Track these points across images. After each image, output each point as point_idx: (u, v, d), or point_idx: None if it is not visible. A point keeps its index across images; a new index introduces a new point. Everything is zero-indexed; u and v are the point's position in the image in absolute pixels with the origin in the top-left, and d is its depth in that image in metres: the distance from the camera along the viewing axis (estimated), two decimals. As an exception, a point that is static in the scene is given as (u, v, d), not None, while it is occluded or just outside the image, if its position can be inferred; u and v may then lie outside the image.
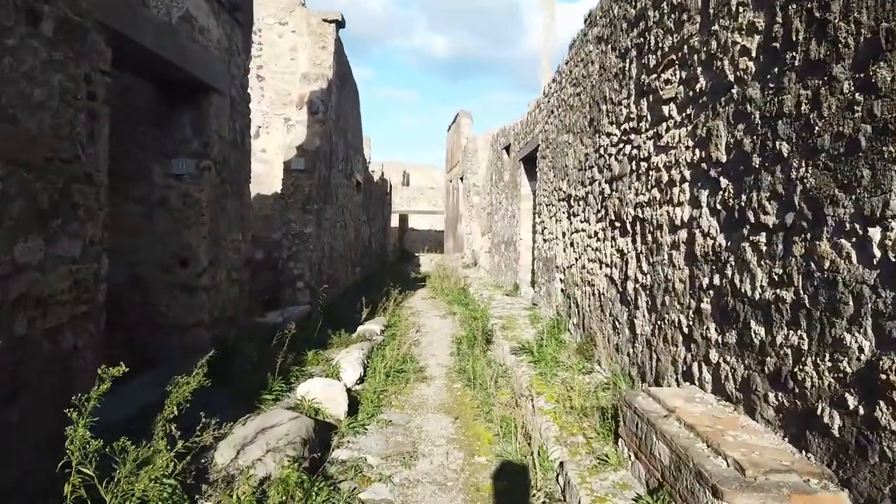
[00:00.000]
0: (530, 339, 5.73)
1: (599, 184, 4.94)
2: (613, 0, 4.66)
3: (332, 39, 8.44)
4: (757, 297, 2.45)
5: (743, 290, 2.56)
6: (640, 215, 3.91)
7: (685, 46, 3.22)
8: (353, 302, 8.34)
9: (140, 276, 4.40)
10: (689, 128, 3.16)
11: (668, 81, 3.46)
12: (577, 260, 5.69)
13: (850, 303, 1.89)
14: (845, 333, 1.91)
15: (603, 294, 4.73)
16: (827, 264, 2.00)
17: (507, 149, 11.03)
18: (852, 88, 1.90)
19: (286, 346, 4.53)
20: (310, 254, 8.09)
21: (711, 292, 2.88)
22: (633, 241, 4.05)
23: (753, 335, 2.47)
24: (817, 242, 2.06)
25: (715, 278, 2.84)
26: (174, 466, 2.32)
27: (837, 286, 1.95)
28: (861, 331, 1.84)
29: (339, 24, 8.58)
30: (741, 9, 2.62)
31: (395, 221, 27.34)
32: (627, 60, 4.26)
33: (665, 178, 3.50)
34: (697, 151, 3.05)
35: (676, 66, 3.34)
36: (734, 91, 2.66)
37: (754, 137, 2.49)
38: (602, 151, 4.89)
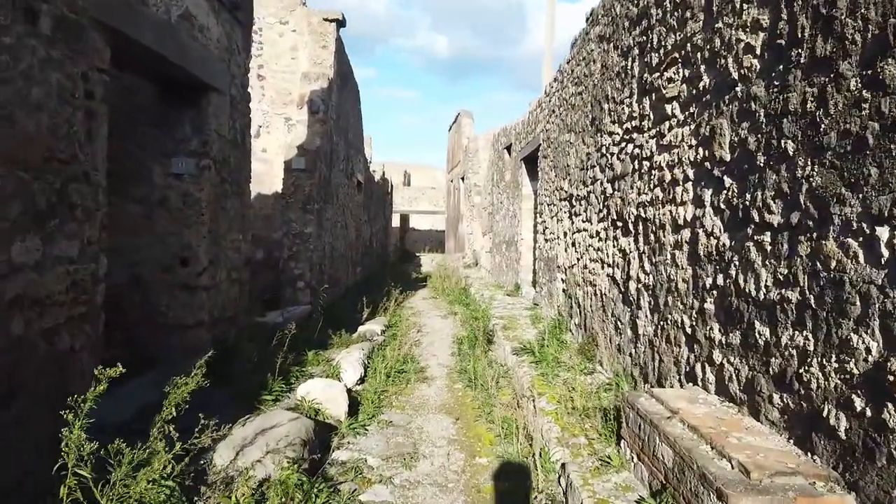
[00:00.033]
0: (532, 339, 5.70)
1: (601, 183, 4.91)
2: (615, -2, 4.64)
3: (332, 38, 8.42)
4: (761, 297, 2.42)
5: (747, 291, 2.53)
6: (643, 215, 3.89)
7: (688, 44, 3.19)
8: (353, 302, 8.32)
9: (140, 276, 4.38)
10: (693, 126, 3.13)
11: (671, 80, 3.43)
12: (578, 260, 5.66)
13: (858, 303, 1.86)
14: (852, 334, 1.89)
15: (605, 294, 4.71)
16: (833, 264, 1.98)
17: (509, 148, 11.00)
18: (859, 85, 1.87)
19: (286, 346, 4.50)
20: (310, 253, 8.07)
21: (715, 292, 2.85)
22: (636, 241, 4.02)
23: (758, 336, 2.44)
24: (823, 242, 2.03)
25: (718, 278, 2.81)
26: (172, 468, 2.30)
27: (844, 286, 1.92)
28: (868, 331, 1.81)
29: (340, 23, 8.56)
30: (745, 6, 2.59)
31: (396, 221, 27.33)
32: (630, 59, 4.23)
33: (668, 177, 3.47)
34: (701, 150, 3.02)
35: (679, 65, 3.31)
36: (738, 89, 2.64)
37: (759, 136, 2.46)
38: (604, 151, 4.86)
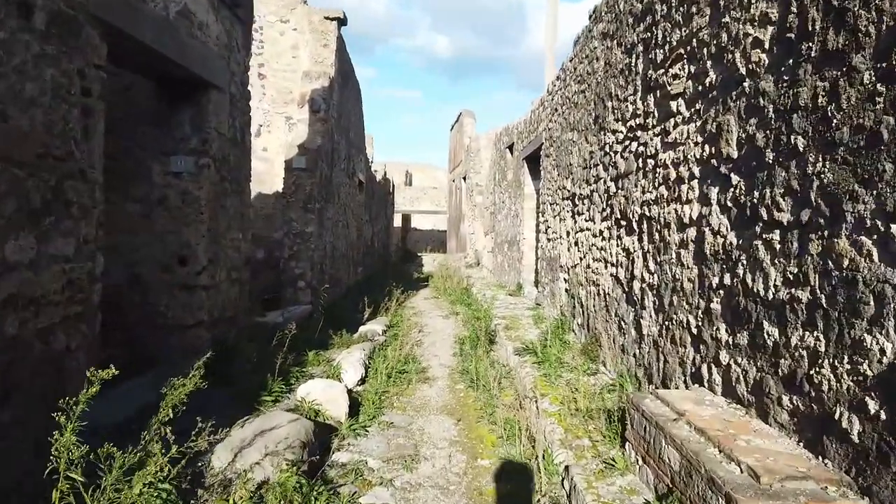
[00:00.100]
0: (534, 339, 5.65)
1: (605, 182, 4.86)
2: (619, -5, 4.58)
3: (333, 37, 8.37)
4: (770, 296, 2.37)
5: (755, 290, 2.48)
6: (647, 213, 3.83)
7: (694, 40, 3.14)
8: (354, 302, 8.27)
9: (139, 275, 4.34)
10: (699, 123, 3.08)
11: (677, 76, 3.38)
12: (581, 259, 5.61)
13: (871, 303, 1.81)
14: (865, 335, 1.83)
15: (608, 294, 4.65)
16: (846, 263, 1.92)
17: (511, 148, 10.95)
18: (873, 79, 1.82)
19: (287, 346, 4.46)
20: (311, 253, 8.02)
21: (722, 292, 2.79)
22: (640, 240, 3.97)
23: (766, 336, 2.39)
24: (835, 240, 1.97)
25: (725, 277, 2.75)
26: (169, 471, 2.26)
27: (857, 285, 1.87)
28: (883, 332, 1.76)
29: (341, 21, 8.52)
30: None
31: (397, 221, 27.29)
32: (634, 56, 4.17)
33: (673, 175, 3.42)
34: (707, 147, 2.97)
35: (685, 61, 3.26)
36: (746, 84, 2.58)
37: (767, 132, 2.41)
38: (607, 149, 4.80)
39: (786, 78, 2.29)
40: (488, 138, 16.03)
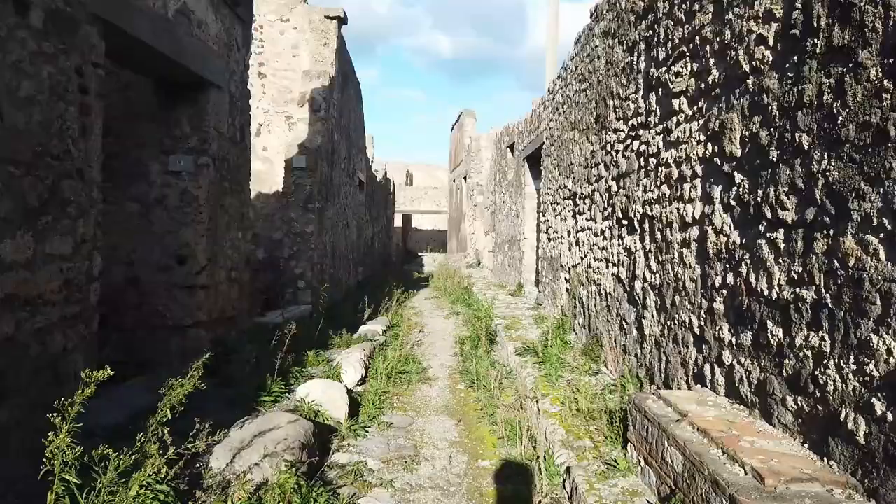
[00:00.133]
0: (535, 339, 5.62)
1: (606, 181, 4.83)
2: (620, -7, 4.56)
3: (334, 36, 8.35)
4: (774, 296, 2.34)
5: (759, 290, 2.45)
6: (649, 213, 3.80)
7: (697, 37, 3.11)
8: (355, 302, 8.25)
9: (137, 275, 4.32)
10: (701, 121, 3.05)
11: (679, 74, 3.35)
12: (582, 259, 5.58)
13: (878, 302, 1.78)
14: (872, 335, 1.80)
15: (609, 294, 4.63)
16: (852, 262, 1.90)
17: (511, 147, 10.92)
18: (880, 75, 1.79)
19: (286, 346, 4.43)
20: (311, 253, 8.00)
21: (725, 291, 2.77)
22: (642, 240, 3.94)
23: (770, 336, 2.36)
24: (841, 239, 1.95)
25: (728, 277, 2.73)
26: (166, 472, 2.23)
27: (863, 285, 1.84)
28: (890, 332, 1.73)
29: (342, 20, 8.49)
30: (757, -4, 2.51)
31: (398, 221, 27.26)
32: (635, 54, 4.15)
33: (675, 173, 3.39)
34: (710, 146, 2.94)
35: (687, 58, 3.23)
36: (750, 82, 2.56)
37: (772, 130, 2.38)
38: (609, 148, 4.78)
39: (790, 75, 2.26)
40: (489, 138, 16.01)
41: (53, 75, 2.65)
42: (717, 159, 2.87)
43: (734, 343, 2.67)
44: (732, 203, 2.70)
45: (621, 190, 4.42)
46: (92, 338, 3.01)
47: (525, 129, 9.51)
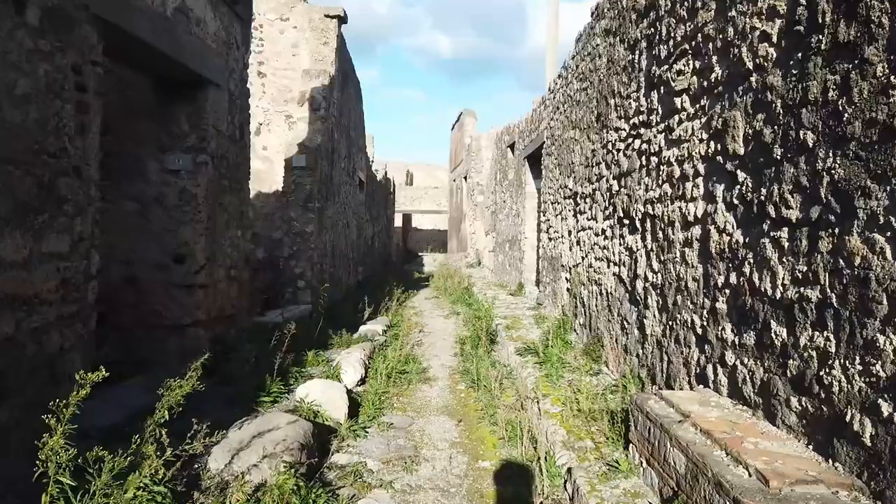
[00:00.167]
0: (535, 339, 5.60)
1: (607, 180, 4.81)
2: (622, -9, 4.53)
3: (334, 35, 8.32)
4: (778, 296, 2.31)
5: (763, 289, 2.42)
6: (651, 212, 3.78)
7: (699, 35, 3.09)
8: (355, 301, 8.23)
9: (135, 274, 4.30)
10: (704, 119, 3.03)
11: (681, 72, 3.32)
12: (583, 259, 5.56)
13: (884, 301, 1.76)
14: (878, 335, 1.78)
15: (611, 293, 4.60)
16: (857, 261, 1.87)
17: (512, 147, 10.90)
18: (886, 71, 1.76)
19: (286, 346, 4.41)
20: (311, 252, 7.98)
21: (727, 291, 2.74)
22: (643, 239, 3.91)
23: (774, 336, 2.34)
24: (847, 237, 1.92)
25: (731, 276, 2.70)
26: (163, 473, 2.21)
27: (869, 284, 1.82)
28: (896, 332, 1.71)
29: (342, 19, 8.47)
30: (760, -8, 2.49)
31: (398, 221, 27.24)
32: (637, 52, 4.12)
33: (677, 172, 3.37)
34: (712, 144, 2.92)
35: (690, 56, 3.21)
36: (753, 79, 2.53)
37: (775, 127, 2.35)
38: (610, 147, 4.75)
39: (794, 72, 2.23)
40: (489, 138, 15.99)
41: (50, 73, 2.62)
42: (719, 157, 2.84)
43: (737, 343, 2.64)
44: (735, 202, 2.68)
45: (622, 189, 4.39)
46: (90, 337, 2.99)
47: (525, 128, 9.48)
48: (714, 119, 2.90)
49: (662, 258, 3.56)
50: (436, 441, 3.83)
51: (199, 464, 2.83)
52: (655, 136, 3.73)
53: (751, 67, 2.55)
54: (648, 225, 3.82)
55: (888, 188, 1.75)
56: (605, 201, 4.86)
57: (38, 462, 1.65)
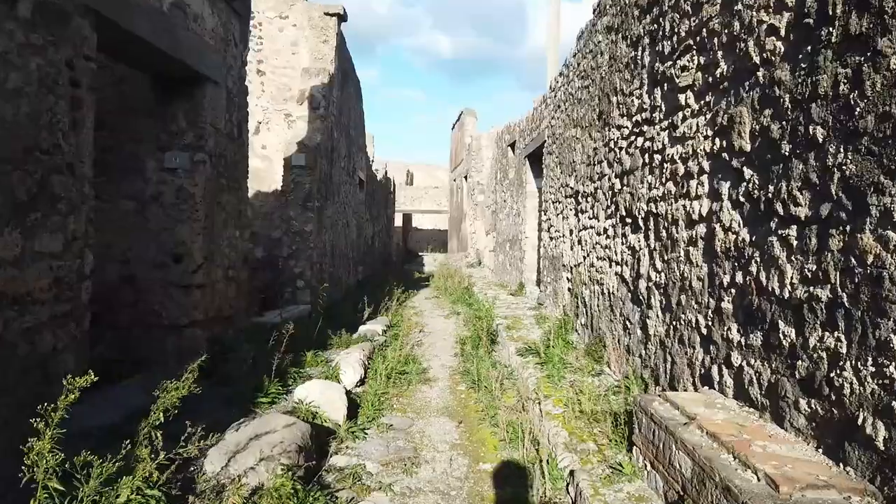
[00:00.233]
0: (536, 339, 5.54)
1: (609, 179, 4.75)
2: (624, -13, 4.48)
3: (333, 33, 8.27)
4: (786, 295, 2.26)
5: (770, 289, 2.37)
6: (654, 210, 3.73)
7: (704, 30, 3.03)
8: (354, 301, 8.17)
9: (132, 273, 4.25)
10: (709, 116, 2.97)
11: (685, 68, 3.27)
12: (585, 258, 5.50)
13: (899, 301, 1.70)
14: (892, 335, 1.73)
15: (613, 293, 4.55)
16: (870, 259, 1.82)
17: (512, 146, 10.85)
18: (901, 63, 1.71)
19: (284, 346, 4.35)
20: (310, 252, 7.93)
21: (733, 291, 2.69)
22: (646, 238, 3.86)
23: (782, 337, 2.28)
24: (859, 235, 1.87)
25: (737, 276, 2.65)
26: (157, 477, 2.16)
27: (883, 283, 1.76)
28: (911, 333, 1.65)
29: (341, 17, 8.42)
30: (767, -15, 2.43)
31: (398, 220, 27.19)
32: (640, 49, 4.07)
33: (681, 170, 3.31)
34: (717, 141, 2.86)
35: (694, 52, 3.15)
36: (760, 74, 2.48)
37: (783, 123, 2.30)
38: (612, 145, 4.70)
39: (803, 66, 2.18)
40: (490, 137, 15.94)
41: (42, 67, 2.57)
42: (725, 154, 2.79)
43: (743, 344, 2.59)
44: (742, 199, 2.62)
45: (625, 187, 4.34)
46: (83, 337, 2.93)
47: (526, 127, 9.43)
48: (719, 115, 2.85)
49: (666, 257, 3.51)
50: (436, 443, 3.78)
51: (194, 466, 2.78)
52: (659, 134, 3.68)
53: (758, 62, 2.50)
54: (651, 224, 3.77)
55: (903, 184, 1.69)
56: (607, 200, 4.81)
57: (23, 467, 1.60)
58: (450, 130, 22.97)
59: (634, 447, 2.81)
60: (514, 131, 10.57)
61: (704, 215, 3.00)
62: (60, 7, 2.68)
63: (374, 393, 4.43)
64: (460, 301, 10.20)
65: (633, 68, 4.20)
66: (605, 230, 4.82)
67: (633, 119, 4.17)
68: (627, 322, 4.18)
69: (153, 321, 4.24)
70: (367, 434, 3.78)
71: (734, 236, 2.68)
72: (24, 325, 2.49)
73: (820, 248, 2.06)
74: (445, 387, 5.16)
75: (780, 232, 2.31)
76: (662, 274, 3.56)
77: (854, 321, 1.89)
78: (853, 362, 1.88)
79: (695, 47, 3.15)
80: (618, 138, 4.54)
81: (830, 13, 2.03)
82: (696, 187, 3.10)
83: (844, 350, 1.93)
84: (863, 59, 1.86)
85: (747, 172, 2.58)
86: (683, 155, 3.28)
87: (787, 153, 2.27)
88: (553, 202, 7.11)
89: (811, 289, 2.11)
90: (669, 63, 3.50)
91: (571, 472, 2.87)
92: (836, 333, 1.97)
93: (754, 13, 2.53)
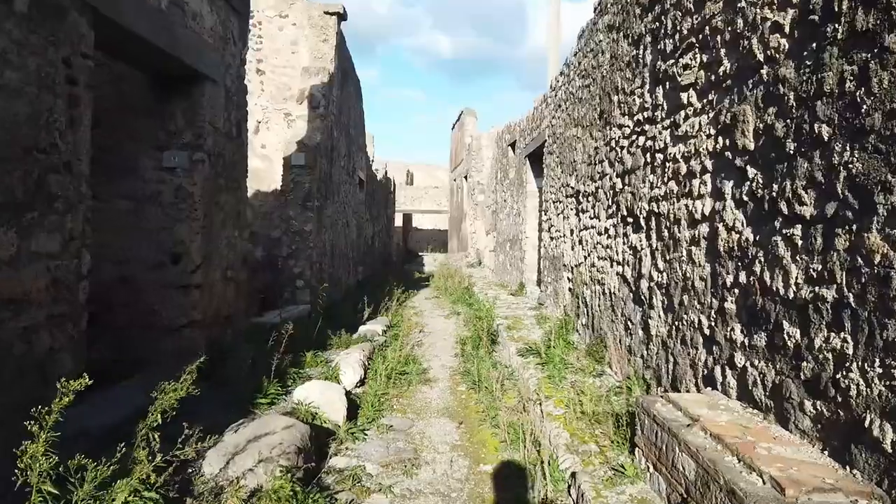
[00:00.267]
0: (537, 339, 5.52)
1: (610, 178, 4.73)
2: (626, -15, 4.45)
3: (333, 32, 8.25)
4: (791, 295, 2.23)
5: (774, 289, 2.34)
6: (656, 210, 3.70)
7: (707, 27, 3.01)
8: (354, 301, 8.15)
9: (130, 273, 4.22)
10: (711, 114, 2.95)
11: (687, 66, 3.24)
12: (585, 258, 5.48)
13: (907, 302, 1.68)
14: (900, 336, 1.70)
15: (614, 293, 4.52)
16: (877, 259, 1.79)
17: (513, 146, 10.82)
18: (909, 60, 1.68)
19: (284, 347, 4.33)
20: (310, 252, 7.90)
21: (737, 291, 2.66)
22: (648, 238, 3.83)
23: (787, 337, 2.26)
24: (865, 234, 1.84)
25: (741, 276, 2.62)
26: (155, 479, 2.13)
27: (890, 283, 1.74)
28: (920, 333, 1.63)
29: (341, 16, 8.39)
30: (772, -18, 2.41)
31: (398, 220, 27.16)
32: (641, 47, 4.04)
33: (683, 169, 3.29)
34: (721, 139, 2.84)
35: (697, 50, 3.13)
36: (764, 72, 2.45)
37: (788, 121, 2.27)
38: (613, 144, 4.67)
39: (808, 63, 2.15)
40: (490, 137, 15.91)
41: (40, 65, 2.54)
42: (728, 153, 2.76)
43: (747, 344, 2.56)
44: (745, 198, 2.60)
45: (626, 187, 4.31)
46: (80, 337, 2.90)
47: (527, 126, 9.40)
48: (722, 114, 2.82)
49: (668, 257, 3.48)
50: (436, 444, 3.75)
51: (193, 468, 2.76)
52: (661, 133, 3.65)
53: (762, 59, 2.47)
54: (653, 223, 3.74)
55: (911, 182, 1.67)
56: (608, 199, 4.78)
57: (17, 470, 1.57)
58: (450, 130, 22.95)
59: (637, 449, 2.79)
60: (515, 131, 10.54)
61: (707, 214, 2.98)
62: (57, 2, 2.65)
63: (373, 393, 4.40)
64: (460, 301, 10.17)
65: (635, 67, 4.17)
66: (607, 230, 4.80)
67: (635, 118, 4.15)
68: (629, 322, 4.15)
69: (151, 322, 4.21)
70: (366, 435, 3.76)
71: (737, 236, 2.66)
72: (20, 326, 2.46)
73: (825, 248, 2.04)
74: (446, 387, 5.13)
75: (784, 231, 2.29)
76: (664, 274, 3.53)
77: (861, 322, 1.86)
78: (860, 363, 1.86)
79: (697, 45, 3.12)
80: (619, 137, 4.52)
81: (836, 9, 2.00)
82: (699, 186, 3.07)
83: (851, 351, 1.90)
84: (869, 55, 1.84)
85: (751, 171, 2.55)
86: (686, 154, 3.26)
87: (791, 151, 2.24)
88: (554, 202, 7.08)
89: (817, 289, 2.08)
90: (671, 61, 3.48)
91: (573, 474, 2.84)
92: (842, 334, 1.95)
93: (758, 10, 2.50)
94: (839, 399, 1.95)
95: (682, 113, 3.32)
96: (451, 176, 22.71)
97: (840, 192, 1.97)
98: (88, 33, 2.88)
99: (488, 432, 3.94)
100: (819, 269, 2.07)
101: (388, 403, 4.48)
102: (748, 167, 2.57)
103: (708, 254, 2.96)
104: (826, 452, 2.02)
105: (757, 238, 2.50)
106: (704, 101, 3.04)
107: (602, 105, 5.02)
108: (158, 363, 4.05)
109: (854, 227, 1.90)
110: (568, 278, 6.21)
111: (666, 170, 3.55)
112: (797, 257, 2.20)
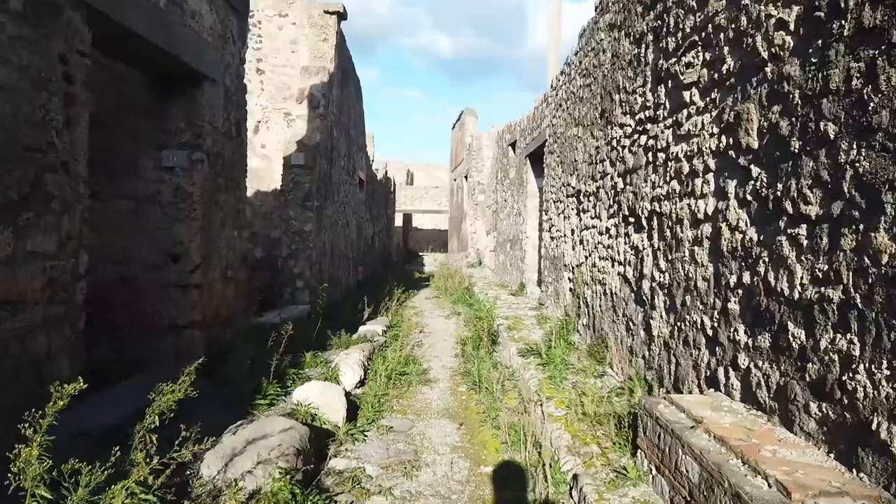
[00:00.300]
0: (538, 340, 5.49)
1: (612, 178, 4.70)
2: (627, -17, 4.42)
3: (333, 31, 8.22)
4: (796, 296, 2.21)
5: (779, 289, 2.31)
6: (658, 209, 3.67)
7: (710, 25, 2.98)
8: (354, 301, 8.12)
9: (129, 274, 4.19)
10: (714, 113, 2.92)
11: (690, 65, 3.22)
12: (586, 258, 5.45)
13: (915, 303, 1.65)
14: (908, 338, 1.67)
15: (615, 293, 4.49)
16: (885, 259, 1.76)
17: (513, 145, 10.79)
18: (918, 56, 1.66)
19: (283, 347, 4.30)
20: (310, 252, 7.87)
21: (740, 291, 2.63)
22: (650, 237, 3.81)
23: (792, 338, 2.23)
24: (872, 234, 1.81)
25: (745, 276, 2.59)
26: (152, 481, 2.11)
27: (898, 284, 1.71)
28: (929, 335, 1.60)
29: (341, 15, 8.36)
30: (776, -21, 2.38)
31: (399, 220, 27.13)
32: (643, 46, 4.01)
33: (686, 168, 3.26)
34: (724, 138, 2.81)
35: (699, 48, 3.10)
36: (768, 69, 2.42)
37: (793, 119, 2.24)
38: (614, 143, 4.64)
39: (814, 60, 2.12)
40: (490, 136, 15.88)
41: (35, 63, 2.52)
42: (731, 152, 2.73)
43: (751, 345, 2.53)
44: (749, 198, 2.57)
45: (628, 186, 4.28)
46: (78, 339, 2.88)
47: (527, 126, 9.37)
48: (726, 112, 2.79)
49: (670, 257, 3.45)
50: (436, 445, 3.73)
51: (191, 470, 2.74)
52: (663, 132, 3.62)
53: (766, 57, 2.44)
54: (655, 223, 3.72)
55: (919, 181, 1.64)
56: (609, 199, 4.75)
57: (10, 474, 1.54)
58: (450, 130, 22.92)
59: (639, 451, 2.76)
60: (515, 131, 10.51)
61: (710, 214, 2.95)
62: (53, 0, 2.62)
63: (373, 394, 4.37)
64: (461, 301, 10.15)
65: (636, 66, 4.15)
66: (608, 230, 4.77)
67: (637, 117, 4.12)
68: (630, 323, 4.12)
69: (151, 322, 4.19)
70: (366, 436, 3.73)
71: (741, 235, 2.63)
72: (16, 327, 2.43)
73: (831, 248, 2.01)
74: (446, 388, 5.10)
75: (789, 231, 2.26)
76: (666, 274, 3.50)
77: (867, 322, 1.83)
78: (867, 365, 1.83)
79: (700, 43, 3.09)
80: (620, 137, 4.49)
81: (843, 5, 1.97)
82: (702, 186, 3.04)
83: (857, 352, 1.87)
84: (877, 52, 1.81)
85: (755, 170, 2.52)
86: (688, 153, 3.23)
87: (796, 150, 2.22)
88: (554, 202, 7.05)
89: (822, 289, 2.05)
90: (674, 60, 3.45)
91: (575, 476, 2.82)
92: (848, 335, 1.92)
93: (762, 7, 2.47)
94: (845, 401, 1.92)
95: (685, 111, 3.29)
96: (452, 176, 22.68)
97: (846, 191, 1.94)
98: (83, 30, 2.85)
99: (489, 433, 3.91)
100: (825, 269, 2.04)
101: (388, 404, 4.45)
102: (752, 166, 2.55)
103: (711, 254, 2.93)
104: (832, 455, 1.99)
105: (761, 238, 2.47)
106: (707, 99, 3.01)
107: (603, 104, 4.99)
108: (158, 363, 4.03)
109: (861, 226, 1.87)
110: (569, 278, 6.18)
111: (668, 169, 3.52)
112: (802, 257, 2.17)
